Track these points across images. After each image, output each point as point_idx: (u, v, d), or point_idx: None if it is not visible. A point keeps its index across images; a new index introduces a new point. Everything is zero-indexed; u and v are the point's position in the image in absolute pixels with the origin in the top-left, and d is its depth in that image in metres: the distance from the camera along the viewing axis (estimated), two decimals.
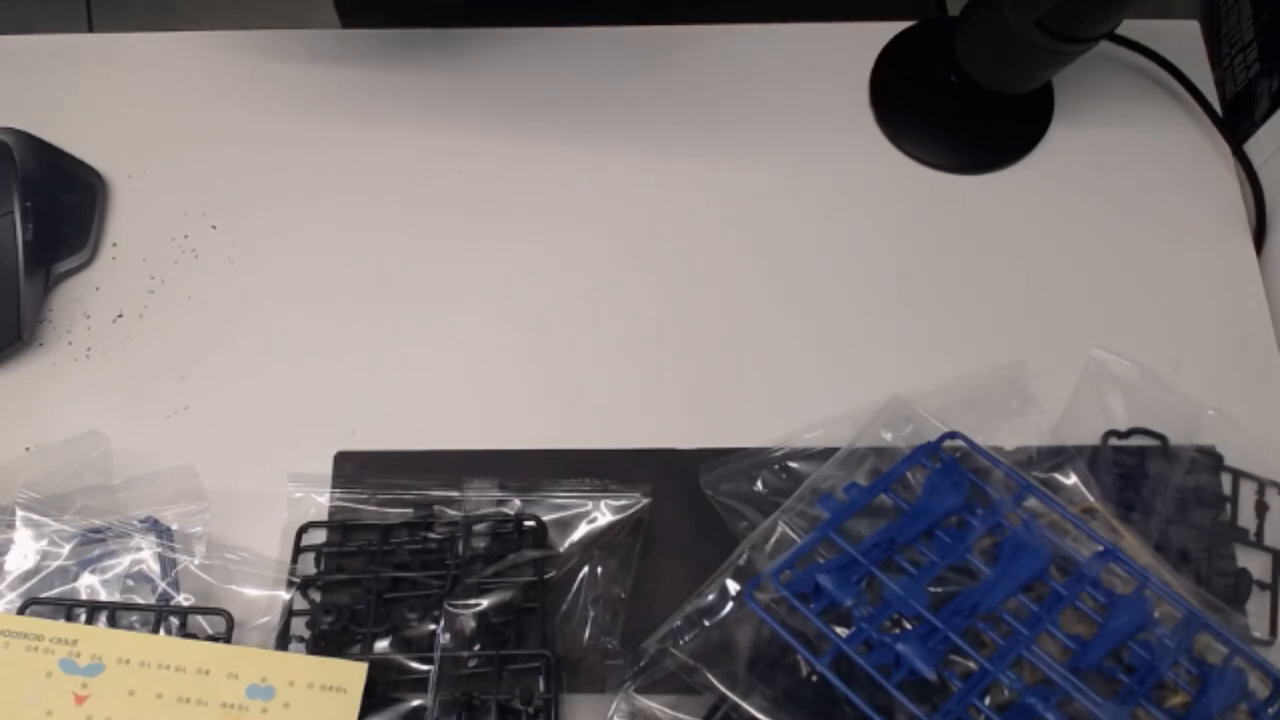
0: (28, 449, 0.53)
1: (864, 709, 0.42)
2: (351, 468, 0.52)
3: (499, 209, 0.59)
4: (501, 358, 0.55)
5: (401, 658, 0.47)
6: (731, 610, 0.47)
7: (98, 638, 0.45)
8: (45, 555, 0.48)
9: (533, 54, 0.62)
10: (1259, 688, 0.44)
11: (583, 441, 0.53)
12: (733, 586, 0.47)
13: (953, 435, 0.50)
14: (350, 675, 0.45)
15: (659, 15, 0.64)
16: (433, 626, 0.47)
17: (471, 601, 0.47)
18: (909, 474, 0.49)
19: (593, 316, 0.56)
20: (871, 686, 0.42)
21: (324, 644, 0.47)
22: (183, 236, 0.58)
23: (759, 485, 0.50)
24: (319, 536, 0.50)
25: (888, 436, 0.51)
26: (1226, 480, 0.51)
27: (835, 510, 0.47)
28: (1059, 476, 0.49)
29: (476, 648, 0.47)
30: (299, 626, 0.48)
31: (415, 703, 0.46)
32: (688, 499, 0.51)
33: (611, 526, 0.50)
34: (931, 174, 0.60)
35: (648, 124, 0.61)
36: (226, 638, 0.46)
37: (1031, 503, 0.48)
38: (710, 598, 0.47)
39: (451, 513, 0.50)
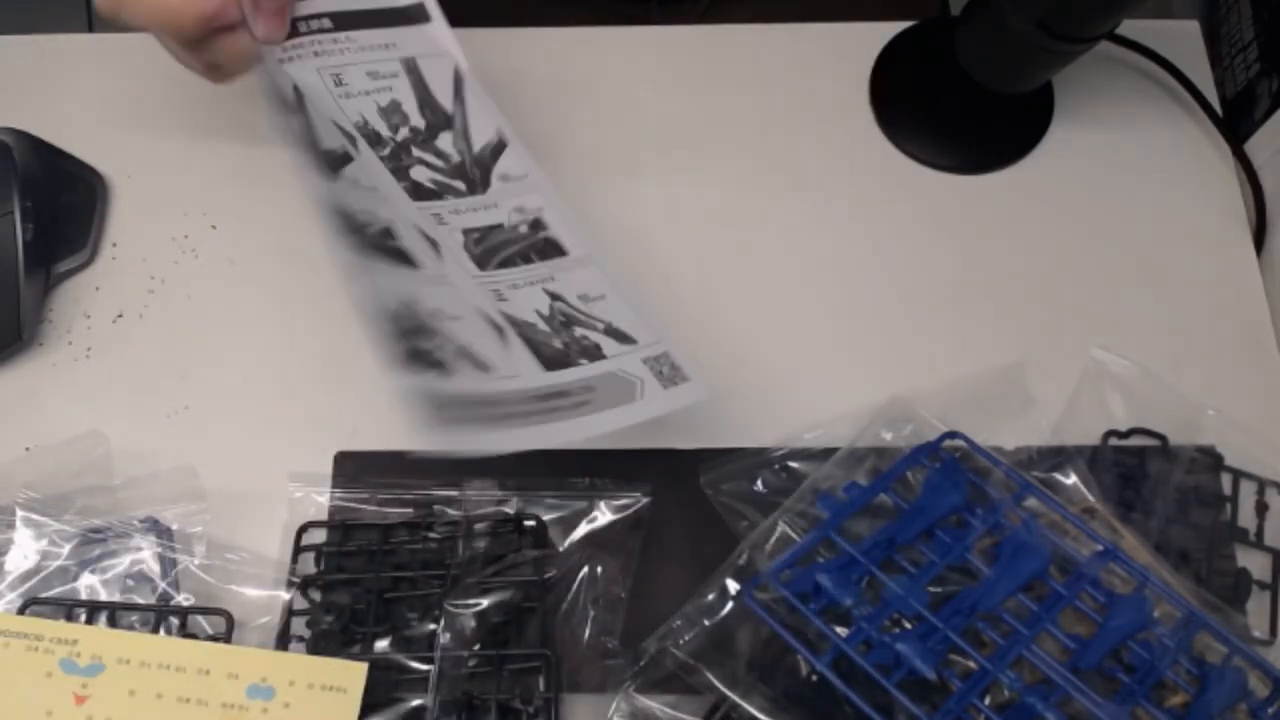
0: (28, 449, 0.53)
1: (864, 709, 0.42)
2: (351, 468, 0.52)
3: None
4: None
5: (401, 658, 0.47)
6: (731, 610, 0.47)
7: (98, 638, 0.45)
8: (45, 555, 0.48)
9: (534, 53, 0.62)
10: (1259, 687, 0.44)
11: (583, 442, 0.53)
12: (733, 586, 0.47)
13: (953, 435, 0.50)
14: (350, 675, 0.45)
15: (672, 18, 0.64)
16: (433, 626, 0.47)
17: (471, 601, 0.47)
18: (909, 474, 0.49)
19: None
20: (871, 686, 0.43)
21: (324, 644, 0.47)
22: (183, 236, 0.58)
23: (759, 485, 0.50)
24: (319, 536, 0.50)
25: (888, 436, 0.51)
26: (1226, 480, 0.51)
27: (835, 510, 0.47)
28: (1059, 476, 0.49)
29: (476, 648, 0.47)
30: (299, 626, 0.48)
31: (415, 703, 0.46)
32: (688, 499, 0.51)
33: (611, 526, 0.50)
34: (931, 174, 0.60)
35: (646, 124, 0.61)
36: (226, 638, 0.46)
37: (1031, 502, 0.48)
38: (710, 597, 0.47)
39: (451, 512, 0.50)
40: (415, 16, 0.52)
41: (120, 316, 0.56)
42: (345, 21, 0.52)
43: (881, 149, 0.60)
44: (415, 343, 0.48)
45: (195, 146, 0.60)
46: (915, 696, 0.42)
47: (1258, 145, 0.59)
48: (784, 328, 0.56)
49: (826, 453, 0.51)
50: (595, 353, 0.49)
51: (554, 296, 0.50)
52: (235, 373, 0.55)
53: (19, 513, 0.48)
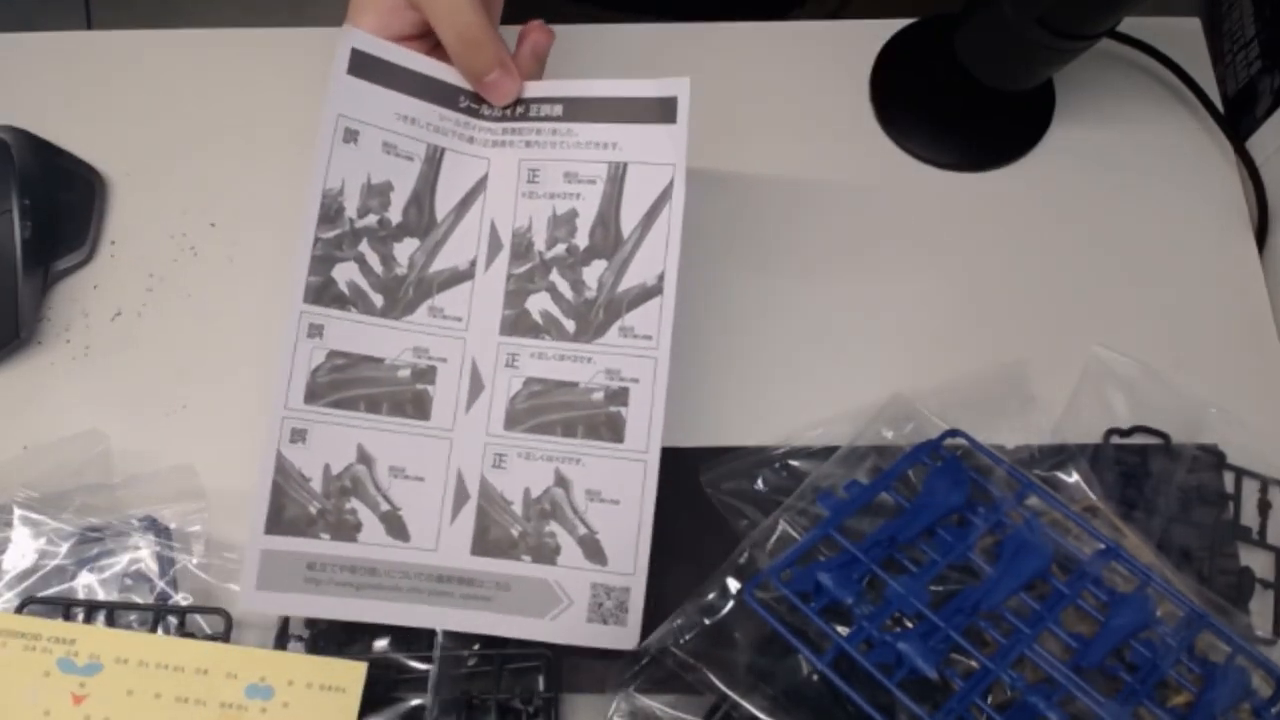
0: (26, 447, 0.53)
1: (865, 708, 0.42)
2: None
3: None
4: None
5: (401, 657, 0.47)
6: (732, 609, 0.46)
7: (96, 637, 0.45)
8: (43, 554, 0.48)
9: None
10: (1261, 686, 0.44)
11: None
12: (733, 585, 0.47)
13: (954, 433, 0.49)
14: (350, 675, 0.45)
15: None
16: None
17: None
18: (910, 472, 0.49)
19: None
20: (872, 685, 0.42)
21: (323, 643, 0.47)
22: (181, 235, 0.58)
23: (760, 483, 0.50)
24: None
25: (889, 434, 0.51)
26: (1229, 478, 0.51)
27: (836, 508, 0.47)
28: (1061, 475, 0.49)
29: (476, 647, 0.47)
30: (298, 626, 0.48)
31: (415, 703, 0.46)
32: (688, 498, 0.51)
33: None
34: (933, 172, 0.60)
35: None
36: (225, 637, 0.46)
37: (1033, 501, 0.48)
38: (711, 596, 0.47)
39: None
40: (664, 114, 0.47)
41: (119, 315, 0.56)
42: (577, 112, 0.48)
43: (882, 147, 0.60)
44: (332, 504, 0.46)
45: (195, 145, 0.60)
46: (917, 696, 0.42)
47: (1259, 142, 0.59)
48: (785, 326, 0.56)
49: (827, 451, 0.51)
50: (547, 556, 0.46)
51: (560, 481, 0.46)
52: (234, 372, 0.55)
53: (17, 511, 0.48)
